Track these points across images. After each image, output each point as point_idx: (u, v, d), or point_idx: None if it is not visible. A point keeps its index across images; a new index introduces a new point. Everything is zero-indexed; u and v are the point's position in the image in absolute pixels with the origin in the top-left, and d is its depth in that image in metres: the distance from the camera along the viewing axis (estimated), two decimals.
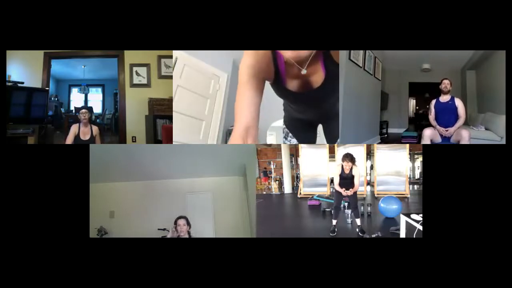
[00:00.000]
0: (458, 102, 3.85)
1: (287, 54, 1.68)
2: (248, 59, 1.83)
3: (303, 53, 1.68)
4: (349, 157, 3.52)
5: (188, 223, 2.94)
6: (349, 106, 4.49)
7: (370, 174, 6.75)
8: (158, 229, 3.65)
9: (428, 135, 3.84)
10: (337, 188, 3.61)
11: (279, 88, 2.02)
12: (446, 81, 3.91)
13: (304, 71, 1.90)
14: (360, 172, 3.75)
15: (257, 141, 1.72)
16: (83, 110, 4.40)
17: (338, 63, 1.93)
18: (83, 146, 3.61)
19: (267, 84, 1.96)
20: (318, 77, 1.96)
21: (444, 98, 3.92)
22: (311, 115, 2.49)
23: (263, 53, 1.87)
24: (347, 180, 3.58)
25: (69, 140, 4.27)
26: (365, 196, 5.85)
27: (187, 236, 2.89)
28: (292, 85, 2.00)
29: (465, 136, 3.67)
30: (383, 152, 5.98)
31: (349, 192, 3.57)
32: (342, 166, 3.56)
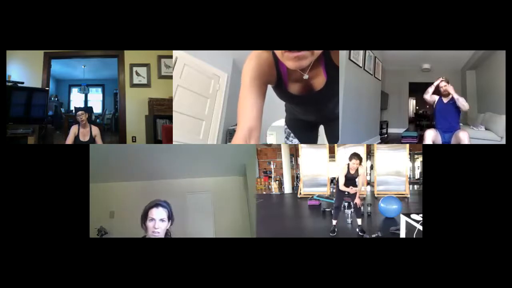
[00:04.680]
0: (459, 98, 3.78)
1: (289, 64, 1.69)
2: (251, 63, 1.85)
3: (305, 62, 1.69)
4: (356, 156, 3.45)
5: (170, 218, 1.97)
6: (349, 106, 4.48)
7: (370, 174, 6.75)
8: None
9: (430, 137, 3.81)
10: (343, 188, 3.55)
11: (281, 91, 2.03)
12: (443, 84, 3.80)
13: (306, 76, 1.91)
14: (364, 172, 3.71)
15: (259, 142, 1.74)
16: (80, 112, 4.39)
17: (338, 66, 1.95)
18: (83, 146, 3.61)
19: (269, 86, 1.97)
20: (319, 80, 1.97)
21: (445, 99, 3.89)
22: (313, 117, 2.50)
23: (265, 57, 1.88)
24: (352, 180, 3.54)
25: (69, 141, 4.27)
26: (365, 196, 5.85)
27: (162, 236, 1.93)
28: (294, 88, 2.01)
29: (463, 139, 3.65)
30: (383, 152, 5.98)
31: (353, 191, 3.53)
32: (349, 166, 3.49)
